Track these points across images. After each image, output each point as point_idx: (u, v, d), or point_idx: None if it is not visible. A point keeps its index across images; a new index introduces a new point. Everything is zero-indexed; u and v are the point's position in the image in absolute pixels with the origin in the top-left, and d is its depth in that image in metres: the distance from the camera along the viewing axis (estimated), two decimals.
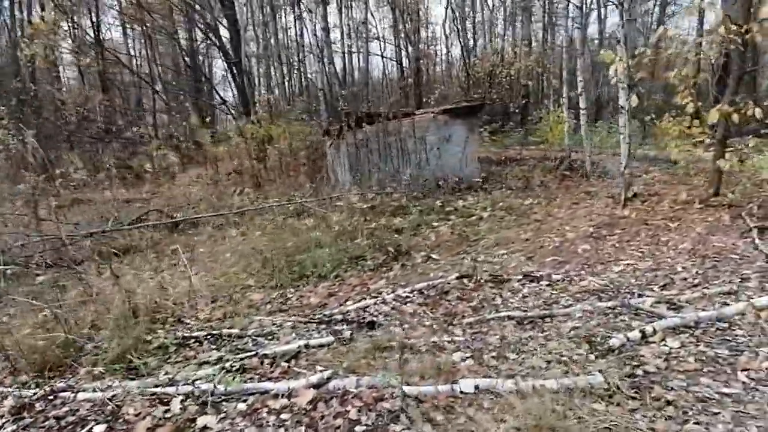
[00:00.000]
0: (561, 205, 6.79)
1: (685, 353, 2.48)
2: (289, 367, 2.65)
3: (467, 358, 2.61)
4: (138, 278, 4.22)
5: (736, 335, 2.63)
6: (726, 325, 2.74)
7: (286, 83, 26.16)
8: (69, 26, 17.43)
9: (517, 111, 20.70)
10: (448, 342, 2.84)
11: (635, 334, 2.67)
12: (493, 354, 2.63)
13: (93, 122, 14.38)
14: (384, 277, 4.30)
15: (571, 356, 2.54)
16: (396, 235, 5.63)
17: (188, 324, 3.35)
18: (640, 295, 3.31)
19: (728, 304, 2.99)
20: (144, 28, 19.13)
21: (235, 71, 18.24)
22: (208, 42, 19.94)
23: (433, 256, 4.75)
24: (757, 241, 4.20)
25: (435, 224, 5.96)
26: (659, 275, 3.72)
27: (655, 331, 2.69)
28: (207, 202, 7.96)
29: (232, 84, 18.67)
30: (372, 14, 26.59)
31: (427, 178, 8.92)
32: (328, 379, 2.39)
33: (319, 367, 2.56)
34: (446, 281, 3.97)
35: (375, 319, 3.27)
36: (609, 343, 2.61)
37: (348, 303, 3.70)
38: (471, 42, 24.44)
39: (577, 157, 11.17)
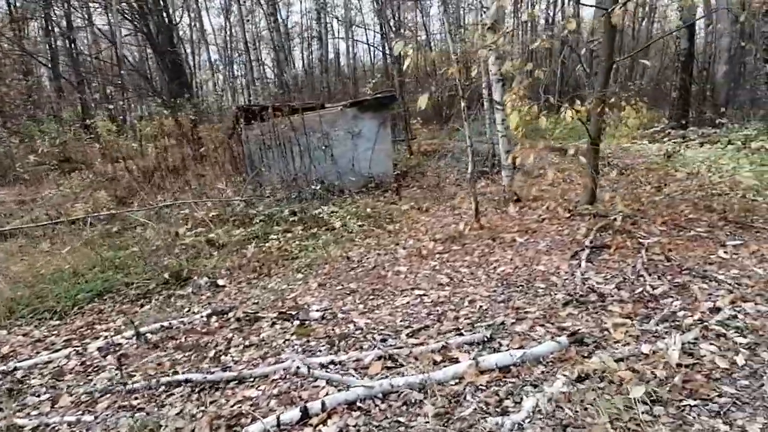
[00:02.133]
0: (435, 212, 6.21)
1: None
2: None
3: None
4: None
5: (417, 415, 2.05)
6: (421, 396, 2.16)
7: (241, 74, 25.19)
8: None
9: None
10: (71, 424, 2.23)
11: (293, 414, 2.07)
12: None
13: None
14: (133, 312, 3.67)
15: None
16: (215, 252, 5.00)
17: None
18: (375, 346, 2.72)
19: (457, 362, 2.41)
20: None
21: (166, 61, 17.30)
22: (136, 31, 18.91)
23: (220, 282, 4.13)
24: (583, 264, 3.65)
25: (273, 237, 5.33)
26: (435, 312, 3.14)
27: (323, 408, 2.11)
28: (45, 208, 7.22)
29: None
30: None
31: (316, 178, 8.28)
32: None
33: None
34: (194, 320, 3.36)
35: None
36: (247, 429, 2.01)
37: (39, 354, 3.06)
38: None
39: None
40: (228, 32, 24.65)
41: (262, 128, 8.68)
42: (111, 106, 17.29)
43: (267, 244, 5.07)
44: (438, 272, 3.93)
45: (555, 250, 4.11)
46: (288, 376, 2.46)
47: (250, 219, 5.98)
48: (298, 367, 2.32)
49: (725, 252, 3.60)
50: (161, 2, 16.75)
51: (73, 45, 19.25)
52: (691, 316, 2.65)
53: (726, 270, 3.28)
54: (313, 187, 7.53)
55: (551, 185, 7.43)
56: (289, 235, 5.40)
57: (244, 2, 22.78)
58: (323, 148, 8.52)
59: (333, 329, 3.01)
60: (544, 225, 4.92)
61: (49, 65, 18.05)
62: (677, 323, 2.61)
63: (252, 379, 2.48)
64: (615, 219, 4.68)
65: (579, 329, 2.64)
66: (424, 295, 3.46)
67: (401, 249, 4.63)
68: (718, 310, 2.69)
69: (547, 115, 4.11)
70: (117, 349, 3.03)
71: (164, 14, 17.10)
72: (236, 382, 2.47)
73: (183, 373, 2.63)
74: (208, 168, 9.57)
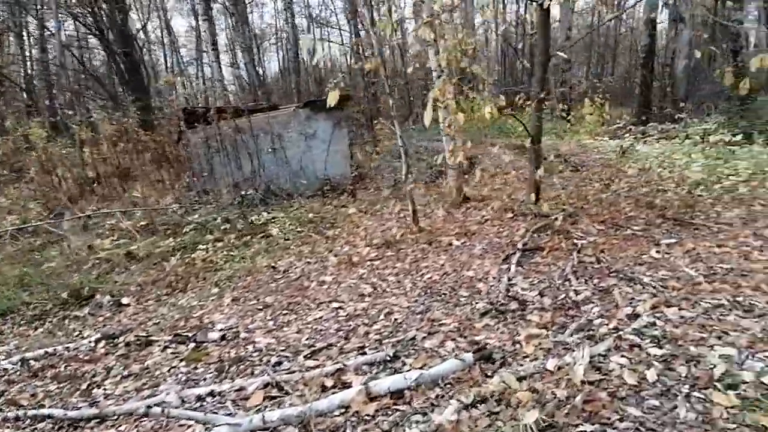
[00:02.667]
0: (382, 215, 5.98)
1: None
2: None
3: None
4: None
5: None
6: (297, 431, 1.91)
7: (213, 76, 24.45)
8: None
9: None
10: None
11: None
12: None
13: None
14: (27, 335, 3.31)
15: None
16: (133, 266, 4.65)
17: None
18: (265, 372, 2.46)
19: (349, 387, 2.17)
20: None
21: (119, 63, 16.58)
22: (87, 31, 18.07)
23: (124, 300, 3.79)
24: (513, 268, 3.46)
25: (201, 247, 5.01)
26: (346, 328, 2.90)
27: None
28: None
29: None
30: None
31: (264, 182, 7.93)
32: None
33: None
34: (80, 345, 3.03)
35: None
36: None
37: None
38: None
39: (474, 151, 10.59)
40: (197, 34, 23.97)
41: (206, 131, 8.30)
42: (72, 113, 16.49)
43: (193, 255, 4.75)
44: (364, 281, 3.69)
45: (489, 253, 3.92)
46: (157, 415, 2.17)
47: (182, 228, 5.64)
48: (148, 407, 2.03)
49: (658, 251, 3.46)
50: (114, 2, 16.09)
51: (44, 52, 18.36)
52: (608, 324, 2.48)
53: (655, 271, 3.13)
54: (251, 192, 7.19)
55: (505, 183, 7.33)
56: (220, 244, 5.08)
57: (200, 2, 22.14)
58: (269, 150, 8.20)
59: (229, 352, 2.73)
60: (485, 226, 4.74)
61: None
62: (592, 333, 2.43)
63: (115, 417, 2.18)
64: (556, 219, 4.54)
65: (488, 343, 2.44)
66: (341, 308, 3.21)
67: (333, 257, 4.38)
68: (636, 316, 2.52)
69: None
70: (2, 374, 2.70)
71: (117, 14, 16.45)
72: (97, 420, 2.17)
73: (49, 407, 2.32)
74: (152, 174, 9.13)
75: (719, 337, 2.26)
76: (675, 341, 2.26)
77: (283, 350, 2.68)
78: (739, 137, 8.61)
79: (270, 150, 8.11)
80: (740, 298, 2.62)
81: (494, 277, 3.39)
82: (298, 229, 5.50)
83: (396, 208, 5.66)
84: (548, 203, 5.12)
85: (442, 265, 3.81)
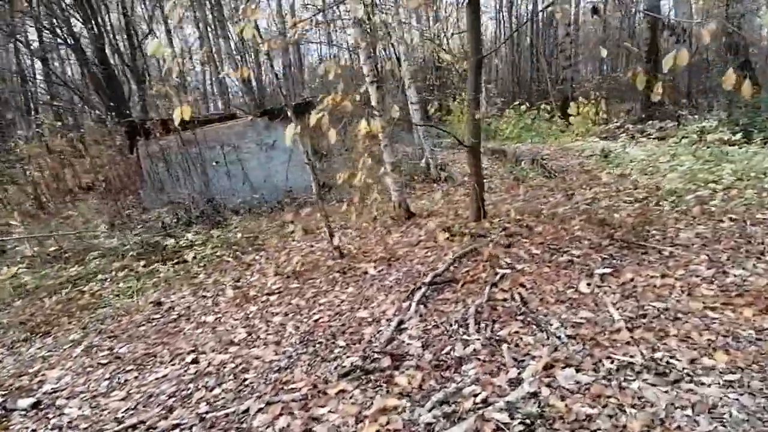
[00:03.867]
0: (316, 235, 5.51)
1: None
2: None
3: None
4: None
5: None
6: None
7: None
8: None
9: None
10: None
11: None
12: None
13: None
14: None
15: None
16: (18, 301, 4.24)
17: None
18: None
19: None
20: None
21: (96, 74, 16.41)
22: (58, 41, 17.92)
23: None
24: (413, 307, 2.97)
25: (100, 277, 4.59)
26: (183, 393, 2.43)
27: None
28: None
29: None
30: None
31: (208, 199, 7.52)
32: None
33: None
34: None
35: None
36: None
37: None
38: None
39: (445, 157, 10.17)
40: (201, 43, 23.80)
41: (150, 146, 7.94)
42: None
43: (84, 288, 4.32)
44: (246, 323, 3.23)
45: (401, 285, 3.43)
46: None
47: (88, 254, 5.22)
48: None
49: (588, 284, 2.95)
50: (89, 11, 15.93)
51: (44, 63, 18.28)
52: (479, 394, 1.98)
53: (574, 312, 2.63)
54: (193, 208, 6.78)
55: (466, 194, 6.82)
56: (122, 274, 4.65)
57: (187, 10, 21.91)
58: (214, 163, 7.80)
59: (26, 428, 2.28)
60: (415, 249, 4.26)
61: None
62: (456, 407, 1.93)
63: None
64: (490, 241, 4.05)
65: (326, 420, 1.96)
66: (196, 361, 2.75)
67: (230, 289, 3.91)
68: (519, 382, 2.02)
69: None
70: None
71: (94, 26, 16.26)
72: None
73: None
74: (98, 192, 8.79)
75: (610, 416, 1.76)
76: (553, 422, 1.76)
77: (86, 428, 2.21)
78: (738, 135, 8.04)
79: (215, 163, 7.71)
80: (659, 354, 2.11)
81: (388, 320, 2.90)
82: (218, 253, 5.05)
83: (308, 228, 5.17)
84: (493, 221, 4.63)
85: (342, 301, 3.33)
